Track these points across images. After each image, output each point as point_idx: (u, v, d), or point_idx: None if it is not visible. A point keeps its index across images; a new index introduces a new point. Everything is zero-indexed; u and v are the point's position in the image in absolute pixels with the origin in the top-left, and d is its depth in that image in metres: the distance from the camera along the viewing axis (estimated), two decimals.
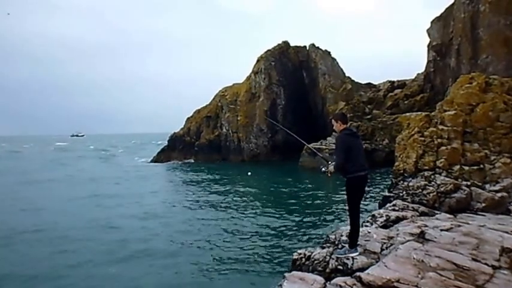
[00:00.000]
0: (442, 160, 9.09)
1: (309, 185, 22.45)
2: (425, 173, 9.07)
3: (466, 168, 8.90)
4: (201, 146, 42.34)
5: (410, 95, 37.52)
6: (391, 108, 37.34)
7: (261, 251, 10.76)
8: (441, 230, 6.24)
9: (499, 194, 8.26)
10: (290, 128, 39.96)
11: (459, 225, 6.64)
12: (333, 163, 5.52)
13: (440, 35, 33.08)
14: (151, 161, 43.50)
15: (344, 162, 5.40)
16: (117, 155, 59.88)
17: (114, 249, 11.37)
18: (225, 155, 41.34)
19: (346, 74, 44.95)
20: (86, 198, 20.19)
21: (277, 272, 8.76)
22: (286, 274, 5.04)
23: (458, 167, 8.92)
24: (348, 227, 5.73)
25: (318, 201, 17.96)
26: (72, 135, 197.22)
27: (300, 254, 5.88)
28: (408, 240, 5.81)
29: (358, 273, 4.70)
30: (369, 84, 45.84)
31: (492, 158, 8.98)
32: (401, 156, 9.98)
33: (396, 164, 10.03)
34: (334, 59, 44.65)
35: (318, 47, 44.72)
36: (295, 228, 13.09)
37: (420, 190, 8.67)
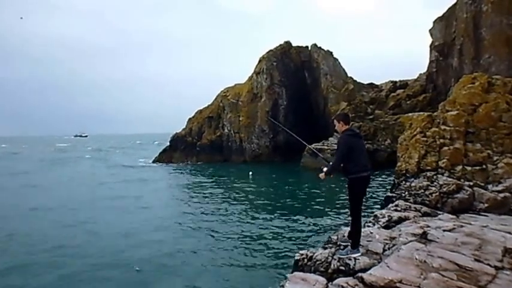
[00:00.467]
0: (445, 160, 9.06)
1: (311, 186, 22.43)
2: (428, 174, 9.04)
3: (469, 168, 8.86)
4: (202, 146, 42.35)
5: (412, 95, 37.46)
6: (393, 108, 37.28)
7: (263, 252, 10.76)
8: (443, 231, 6.22)
9: (502, 195, 8.22)
10: (292, 128, 39.81)
11: (462, 226, 6.62)
12: (325, 169, 5.48)
13: (442, 35, 33.01)
14: (154, 162, 43.53)
15: (344, 163, 5.42)
16: (119, 156, 59.93)
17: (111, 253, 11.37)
18: (227, 156, 41.35)
19: (348, 74, 44.95)
20: (86, 202, 20.19)
21: (279, 273, 8.77)
22: (288, 275, 5.04)
23: (460, 167, 8.89)
24: (350, 228, 5.73)
25: (320, 202, 17.94)
26: (76, 136, 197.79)
27: (302, 254, 5.87)
28: (410, 241, 5.80)
29: (360, 274, 4.69)
30: (371, 85, 45.80)
31: (495, 158, 8.94)
32: (403, 156, 9.95)
33: (398, 164, 10.00)
34: (336, 59, 44.61)
35: (320, 47, 44.69)
36: (297, 229, 13.08)
37: (422, 190, 8.65)
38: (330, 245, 6.11)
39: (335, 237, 6.37)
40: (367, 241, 5.89)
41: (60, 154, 65.80)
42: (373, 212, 8.30)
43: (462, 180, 8.65)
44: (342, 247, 5.80)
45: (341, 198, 17.26)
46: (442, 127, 9.62)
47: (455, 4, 31.09)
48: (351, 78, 44.55)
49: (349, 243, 5.67)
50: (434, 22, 34.16)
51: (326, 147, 30.24)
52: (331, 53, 44.69)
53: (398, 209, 8.00)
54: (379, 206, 10.88)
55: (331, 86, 41.66)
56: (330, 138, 31.33)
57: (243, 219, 14.91)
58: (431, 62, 36.24)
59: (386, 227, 7.05)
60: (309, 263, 5.67)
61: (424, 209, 8.08)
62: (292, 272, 5.33)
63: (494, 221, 7.07)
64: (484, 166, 8.86)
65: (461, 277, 4.53)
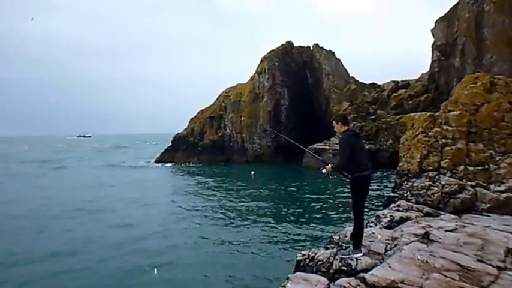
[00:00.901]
0: (447, 160, 9.04)
1: (313, 186, 22.42)
2: (430, 174, 9.02)
3: (471, 168, 8.84)
4: (204, 146, 42.38)
5: (414, 95, 37.36)
6: (395, 108, 37.20)
7: (264, 252, 10.77)
8: (446, 231, 6.21)
9: (504, 195, 8.20)
10: (294, 128, 40.04)
11: (464, 226, 6.60)
12: (330, 164, 5.51)
13: (444, 34, 32.93)
14: (155, 162, 43.59)
15: (348, 162, 5.42)
16: (120, 156, 59.96)
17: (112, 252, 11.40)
18: (229, 156, 41.36)
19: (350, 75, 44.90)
20: (87, 203, 20.23)
21: (281, 273, 8.75)
22: (289, 275, 5.03)
23: (462, 167, 8.87)
24: (352, 228, 5.73)
25: (322, 202, 17.93)
26: (79, 136, 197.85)
27: (303, 255, 5.87)
28: (413, 241, 5.79)
29: (362, 274, 4.69)
30: (373, 85, 45.70)
31: (497, 158, 8.91)
32: (405, 156, 9.93)
33: (400, 164, 9.99)
34: (338, 59, 44.57)
35: (322, 47, 44.65)
36: (298, 229, 13.08)
37: (425, 190, 8.63)
38: (332, 245, 6.11)
39: (337, 238, 6.36)
40: (369, 241, 5.88)
41: (61, 154, 65.89)
42: (375, 212, 8.29)
43: (464, 180, 8.62)
44: (343, 247, 5.79)
45: (343, 198, 17.25)
46: (444, 127, 9.60)
47: (457, 4, 31.01)
48: (352, 78, 44.49)
49: (351, 244, 5.67)
50: (436, 22, 34.09)
51: (328, 147, 30.24)
52: (333, 53, 44.65)
53: (400, 209, 7.98)
54: (381, 206, 10.85)
55: (333, 86, 41.63)
56: (332, 138, 31.29)
57: (244, 219, 14.92)
58: (433, 61, 36.15)
59: (388, 227, 7.04)
60: (310, 263, 5.66)
61: (426, 209, 8.06)
62: (294, 272, 5.32)
63: (496, 221, 7.05)
64: (486, 166, 8.84)
65: (464, 277, 4.52)
